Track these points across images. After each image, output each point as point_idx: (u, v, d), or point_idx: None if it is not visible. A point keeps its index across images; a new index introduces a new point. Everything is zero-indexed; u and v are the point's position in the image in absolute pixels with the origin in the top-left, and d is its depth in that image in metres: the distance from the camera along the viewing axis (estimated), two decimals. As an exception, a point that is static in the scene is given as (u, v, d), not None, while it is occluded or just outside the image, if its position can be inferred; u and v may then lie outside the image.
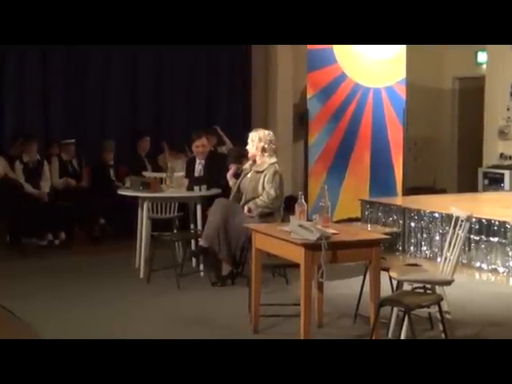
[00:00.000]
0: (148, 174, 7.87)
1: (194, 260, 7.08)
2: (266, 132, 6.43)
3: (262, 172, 6.33)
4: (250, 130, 6.73)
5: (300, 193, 5.09)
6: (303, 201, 5.00)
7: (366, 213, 8.27)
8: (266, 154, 6.35)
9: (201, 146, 7.38)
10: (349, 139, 9.25)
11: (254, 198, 6.31)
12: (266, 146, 6.35)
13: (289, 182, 9.68)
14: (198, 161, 7.43)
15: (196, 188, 6.92)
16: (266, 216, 6.24)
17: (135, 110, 9.89)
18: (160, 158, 9.41)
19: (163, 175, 7.43)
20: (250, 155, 6.46)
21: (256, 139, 6.35)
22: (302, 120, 10.00)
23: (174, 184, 7.19)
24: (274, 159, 6.37)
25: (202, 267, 6.86)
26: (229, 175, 6.79)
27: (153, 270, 6.58)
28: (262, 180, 6.31)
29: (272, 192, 6.25)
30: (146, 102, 9.92)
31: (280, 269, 6.35)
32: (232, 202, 6.49)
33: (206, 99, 10.36)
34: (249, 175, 6.47)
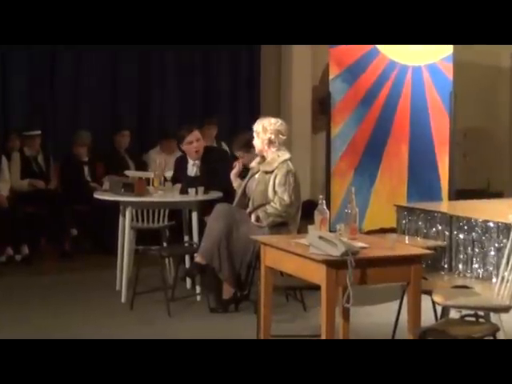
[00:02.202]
0: (131, 173, 7.83)
1: (188, 281, 7.10)
2: (273, 120, 6.41)
3: (272, 172, 6.31)
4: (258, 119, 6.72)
5: (321, 197, 5.10)
6: (325, 207, 5.00)
7: (403, 222, 8.25)
8: (273, 149, 6.34)
9: (195, 140, 7.29)
10: (382, 130, 9.24)
11: (263, 205, 6.30)
12: (273, 137, 6.33)
13: (307, 183, 9.70)
14: (191, 161, 7.36)
15: (191, 191, 6.92)
16: (279, 226, 6.25)
17: (116, 97, 9.90)
18: (151, 152, 9.42)
19: (150, 175, 7.38)
20: (257, 151, 6.46)
21: (260, 130, 6.35)
22: (323, 106, 10.00)
23: (165, 186, 7.19)
24: (286, 155, 6.35)
25: (198, 289, 6.88)
26: (232, 175, 6.79)
27: (137, 292, 6.60)
28: (271, 182, 6.30)
29: (285, 197, 6.25)
30: (130, 86, 9.94)
31: (296, 291, 6.36)
32: (236, 208, 6.50)
33: (204, 84, 10.34)
34: (256, 176, 6.47)
